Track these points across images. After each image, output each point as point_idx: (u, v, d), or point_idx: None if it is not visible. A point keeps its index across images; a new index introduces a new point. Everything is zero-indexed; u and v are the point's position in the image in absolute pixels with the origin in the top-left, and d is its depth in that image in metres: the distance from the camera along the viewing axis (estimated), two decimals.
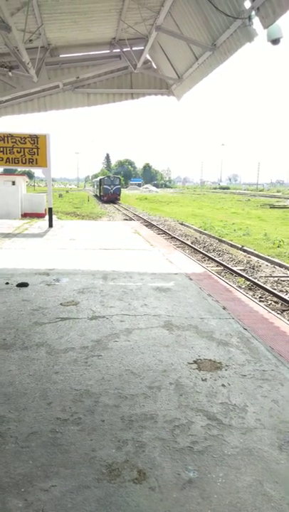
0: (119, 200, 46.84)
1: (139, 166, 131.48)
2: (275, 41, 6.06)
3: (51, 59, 10.34)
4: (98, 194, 53.61)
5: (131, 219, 25.79)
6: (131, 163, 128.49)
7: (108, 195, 46.50)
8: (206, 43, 7.81)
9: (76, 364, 3.96)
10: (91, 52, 10.54)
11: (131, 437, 2.86)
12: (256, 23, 6.11)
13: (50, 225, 15.53)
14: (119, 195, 47.50)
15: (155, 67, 11.45)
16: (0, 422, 3.03)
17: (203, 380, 3.71)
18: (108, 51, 10.57)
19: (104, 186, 47.19)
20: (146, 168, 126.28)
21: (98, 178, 59.69)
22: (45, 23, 8.54)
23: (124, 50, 10.27)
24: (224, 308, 5.86)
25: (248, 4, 6.12)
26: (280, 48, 6.69)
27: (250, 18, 6.18)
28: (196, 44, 8.17)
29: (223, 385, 3.62)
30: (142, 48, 10.07)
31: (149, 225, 22.30)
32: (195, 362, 4.07)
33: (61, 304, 5.85)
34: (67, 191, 74.28)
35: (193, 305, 5.95)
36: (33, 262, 8.70)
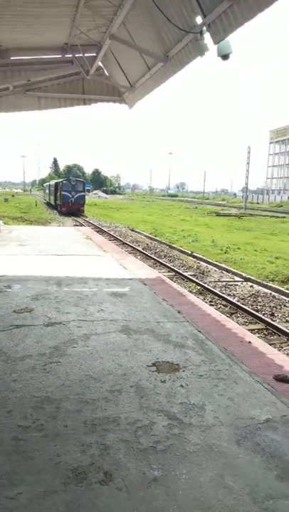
0: (83, 211, 35.24)
1: (88, 171, 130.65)
2: (224, 56, 6.39)
3: (1, 60, 10.08)
4: (53, 202, 41.69)
5: (81, 225, 25.57)
6: (80, 169, 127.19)
7: (68, 205, 34.53)
8: (159, 54, 8.04)
9: (34, 371, 3.91)
10: (43, 56, 10.44)
11: (95, 441, 2.89)
12: (207, 38, 6.43)
13: None
14: (83, 205, 35.61)
15: (107, 74, 11.57)
16: None
17: (162, 381, 3.81)
18: (60, 56, 10.51)
19: (63, 193, 35.14)
20: (96, 173, 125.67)
21: (53, 182, 45.69)
22: None
23: (77, 55, 10.28)
24: (179, 312, 6.02)
25: (199, 20, 6.42)
26: (230, 62, 7.05)
27: (201, 33, 6.47)
28: (148, 54, 8.37)
29: (181, 386, 3.74)
30: (95, 54, 10.11)
31: (100, 231, 22.24)
32: (154, 364, 4.17)
33: (14, 311, 5.72)
34: (12, 195, 71.95)
35: (149, 309, 6.05)
36: None
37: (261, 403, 3.50)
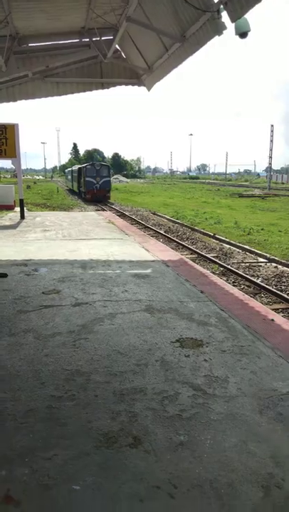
0: (109, 198, 32.91)
1: (108, 155, 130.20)
2: (242, 35, 6.27)
3: (19, 48, 10.16)
4: (76, 189, 39.56)
5: (103, 209, 25.76)
6: (99, 153, 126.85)
7: (92, 192, 32.08)
8: (176, 35, 7.94)
9: (64, 347, 4.11)
10: (60, 42, 10.45)
11: (124, 409, 3.06)
12: (225, 16, 6.32)
13: (22, 217, 15.39)
14: (108, 191, 33.23)
15: (124, 56, 11.50)
16: None
17: (186, 356, 3.95)
18: (77, 40, 10.51)
19: (87, 179, 32.37)
20: (116, 157, 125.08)
21: (76, 167, 43.10)
22: (13, 12, 8.40)
23: (94, 39, 10.26)
24: (202, 292, 6.11)
25: None
26: (249, 40, 6.94)
27: (218, 11, 6.36)
28: (165, 35, 8.28)
29: (205, 360, 3.87)
30: (111, 37, 10.06)
31: (122, 215, 22.38)
32: (178, 341, 4.30)
33: (43, 293, 5.95)
34: (34, 182, 72.83)
35: (172, 290, 6.17)
36: (9, 254, 8.68)
37: (284, 376, 3.60)
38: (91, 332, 4.48)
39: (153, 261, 8.19)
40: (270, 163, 55.33)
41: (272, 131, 52.28)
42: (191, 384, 3.42)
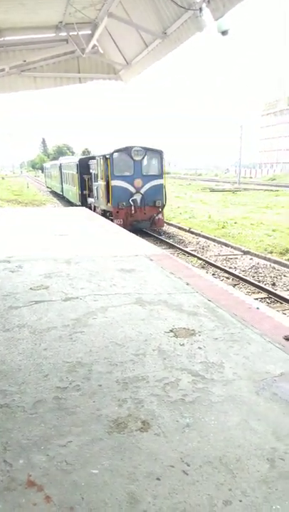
0: (162, 224, 16.20)
1: (78, 151, 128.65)
2: (224, 32, 6.48)
3: None
4: (76, 199, 23.23)
5: (77, 205, 25.61)
6: (69, 148, 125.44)
7: (127, 213, 15.25)
8: (157, 31, 8.04)
9: (62, 340, 4.18)
10: (38, 36, 10.35)
11: (129, 396, 3.18)
12: (207, 14, 6.47)
13: None
14: (160, 209, 16.14)
15: (102, 52, 11.49)
16: (3, 395, 3.21)
17: (181, 345, 4.11)
18: (54, 35, 10.42)
19: (115, 183, 15.32)
20: (86, 153, 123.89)
21: (75, 158, 25.60)
22: None
23: (71, 34, 10.19)
24: (187, 284, 6.29)
25: None
26: (228, 39, 7.10)
27: (200, 9, 6.51)
28: (145, 31, 8.36)
29: (199, 348, 4.04)
30: (90, 32, 10.06)
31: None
32: (171, 331, 4.46)
33: (31, 289, 5.96)
34: (2, 178, 71.38)
35: (158, 283, 6.32)
36: None
37: (274, 360, 3.82)
38: (86, 325, 4.57)
39: (136, 255, 8.30)
40: (240, 159, 56.46)
41: (241, 126, 53.34)
42: (189, 370, 3.58)
